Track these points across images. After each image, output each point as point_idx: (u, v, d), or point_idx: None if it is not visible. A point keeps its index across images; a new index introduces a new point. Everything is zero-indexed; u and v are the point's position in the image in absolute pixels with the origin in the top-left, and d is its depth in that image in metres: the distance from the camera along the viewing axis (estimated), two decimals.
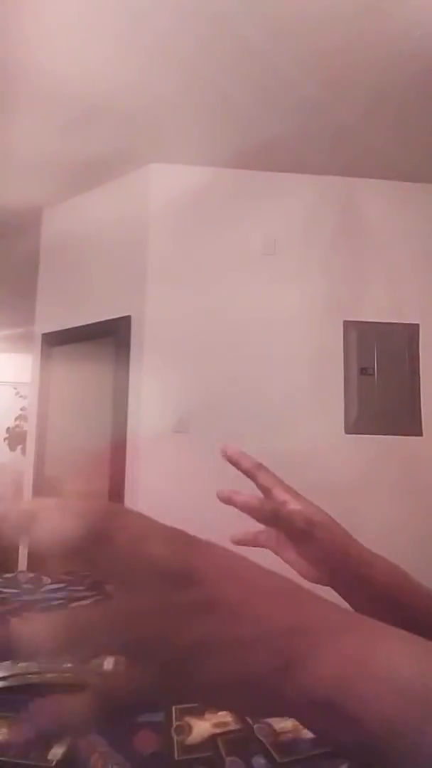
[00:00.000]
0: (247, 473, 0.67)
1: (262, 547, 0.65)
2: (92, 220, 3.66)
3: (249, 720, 0.45)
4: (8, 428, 7.62)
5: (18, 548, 3.81)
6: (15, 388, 7.41)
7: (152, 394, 3.22)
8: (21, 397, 6.56)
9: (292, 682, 0.30)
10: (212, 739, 0.43)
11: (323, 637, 0.31)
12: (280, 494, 0.65)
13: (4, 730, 0.43)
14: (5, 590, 0.83)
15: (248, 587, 0.32)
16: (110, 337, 3.43)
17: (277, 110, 2.81)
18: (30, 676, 0.52)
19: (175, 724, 0.45)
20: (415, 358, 3.34)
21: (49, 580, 0.91)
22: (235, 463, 0.66)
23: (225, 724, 0.45)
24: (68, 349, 3.73)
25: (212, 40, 2.35)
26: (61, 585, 0.88)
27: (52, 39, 2.37)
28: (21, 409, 6.65)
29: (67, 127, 2.96)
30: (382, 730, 0.29)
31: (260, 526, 0.66)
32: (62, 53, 2.45)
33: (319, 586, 0.58)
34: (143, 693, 0.31)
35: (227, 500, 0.66)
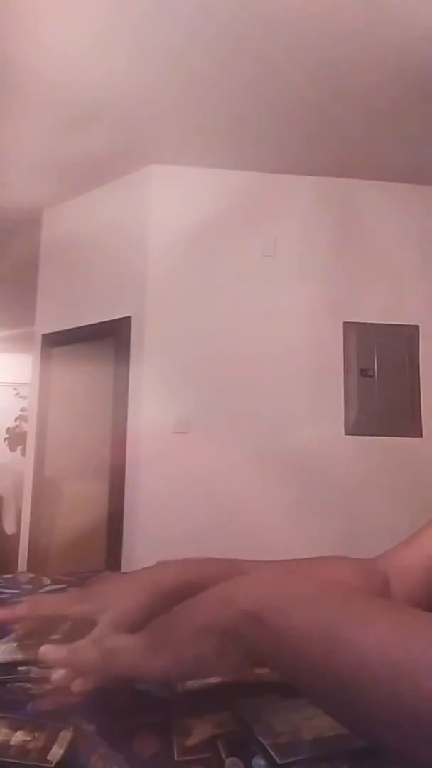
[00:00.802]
0: None
1: None
2: (93, 220, 3.67)
3: (248, 721, 0.45)
4: (8, 429, 7.61)
5: (18, 548, 3.81)
6: (15, 389, 7.41)
7: (152, 395, 3.22)
8: (21, 397, 6.55)
9: (232, 609, 0.43)
10: (212, 740, 0.43)
11: (252, 575, 0.48)
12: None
13: (5, 730, 0.43)
14: (5, 591, 0.83)
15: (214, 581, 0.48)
16: (110, 338, 3.43)
17: (278, 112, 2.82)
18: (30, 676, 0.52)
19: (175, 724, 0.45)
20: (414, 360, 3.34)
21: (49, 581, 0.91)
22: None
23: (225, 724, 0.45)
24: (68, 349, 3.73)
25: (214, 42, 2.35)
26: (62, 586, 0.88)
27: (53, 40, 2.37)
28: (21, 410, 6.64)
29: (67, 127, 2.96)
30: (296, 642, 0.39)
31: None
32: (63, 54, 2.45)
33: None
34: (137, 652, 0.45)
35: None
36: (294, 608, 0.41)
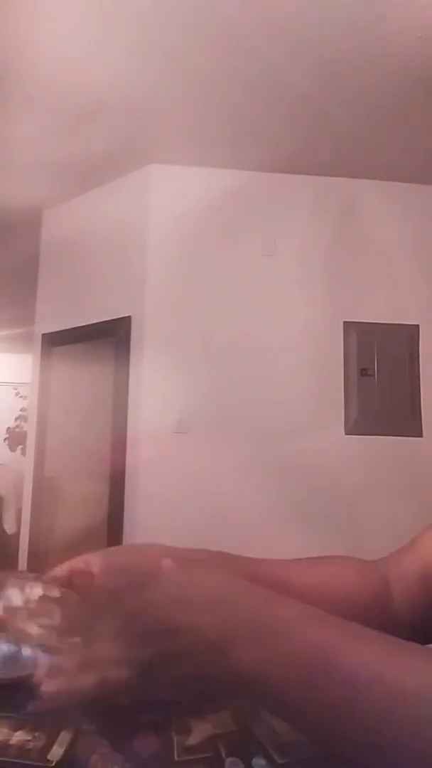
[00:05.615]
0: None
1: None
2: (92, 220, 3.66)
3: (248, 721, 0.45)
4: (8, 428, 7.62)
5: (18, 548, 3.81)
6: (15, 389, 7.41)
7: (152, 395, 3.22)
8: (21, 397, 6.56)
9: (200, 631, 0.39)
10: (212, 739, 0.43)
11: (230, 597, 0.42)
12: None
13: (5, 730, 0.43)
14: None
15: (186, 607, 0.41)
16: (110, 337, 3.43)
17: (278, 111, 2.82)
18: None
19: (175, 724, 0.45)
20: (415, 359, 3.34)
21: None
22: None
23: (225, 725, 0.45)
24: (68, 349, 3.73)
25: (214, 41, 2.35)
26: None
27: (53, 40, 2.37)
28: (21, 410, 6.65)
29: (67, 127, 2.96)
30: (285, 663, 0.37)
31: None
32: (63, 54, 2.45)
33: None
34: (129, 686, 0.39)
35: None
36: (284, 629, 0.39)
